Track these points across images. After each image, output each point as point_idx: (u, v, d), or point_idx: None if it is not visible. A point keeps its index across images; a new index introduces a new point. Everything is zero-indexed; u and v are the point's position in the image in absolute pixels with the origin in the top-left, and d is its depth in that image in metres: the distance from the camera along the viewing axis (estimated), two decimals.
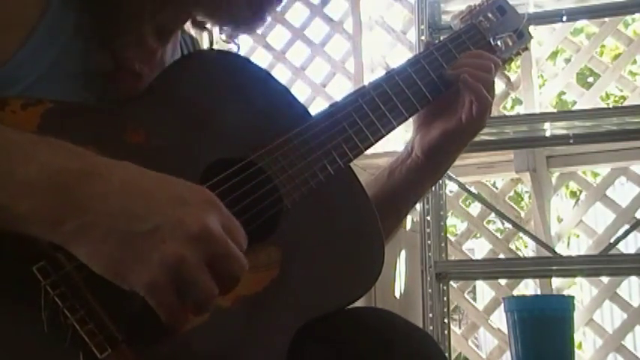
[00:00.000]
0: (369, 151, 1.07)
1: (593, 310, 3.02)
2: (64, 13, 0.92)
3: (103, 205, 0.75)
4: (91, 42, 0.94)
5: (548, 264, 2.62)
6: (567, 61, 3.81)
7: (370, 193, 1.05)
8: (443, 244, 2.56)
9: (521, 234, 3.25)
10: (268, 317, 0.90)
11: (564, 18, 2.64)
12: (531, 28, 1.31)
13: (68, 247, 0.75)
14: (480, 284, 4.88)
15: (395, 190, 1.18)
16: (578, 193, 4.62)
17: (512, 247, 3.35)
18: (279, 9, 3.59)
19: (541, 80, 3.41)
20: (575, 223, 3.08)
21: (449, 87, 1.15)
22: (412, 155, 1.18)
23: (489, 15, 1.25)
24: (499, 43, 1.25)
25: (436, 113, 1.17)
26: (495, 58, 1.19)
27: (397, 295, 2.74)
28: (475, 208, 3.50)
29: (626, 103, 3.33)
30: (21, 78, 0.88)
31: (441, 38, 1.22)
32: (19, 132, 0.79)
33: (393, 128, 1.09)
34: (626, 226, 2.82)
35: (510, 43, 1.26)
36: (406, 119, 1.11)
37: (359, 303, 0.96)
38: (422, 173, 1.18)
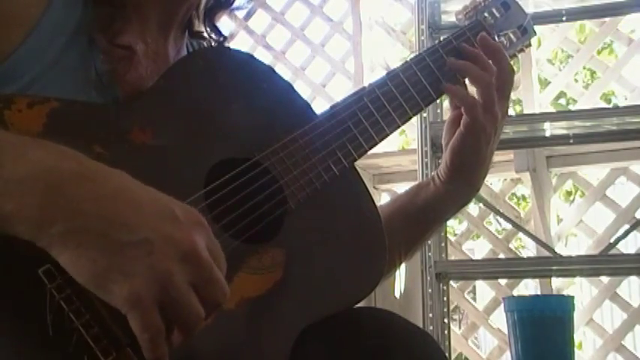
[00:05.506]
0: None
1: (593, 310, 3.02)
2: (66, 10, 0.92)
3: (94, 209, 0.72)
4: (93, 39, 0.94)
5: (548, 264, 2.61)
6: (567, 61, 3.80)
7: (415, 200, 1.11)
8: (443, 244, 2.56)
9: (521, 234, 3.24)
10: (271, 320, 0.90)
11: (564, 18, 2.64)
12: None
13: (51, 251, 0.72)
14: (480, 284, 4.87)
15: (435, 200, 1.19)
16: (573, 192, 4.61)
17: (512, 247, 3.35)
18: (279, 9, 3.60)
19: (541, 80, 3.40)
20: (575, 223, 3.08)
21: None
22: (445, 167, 1.18)
23: (494, 11, 1.23)
24: (503, 39, 1.23)
25: (458, 122, 1.15)
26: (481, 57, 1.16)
27: (397, 295, 2.73)
28: (475, 208, 3.49)
29: (625, 103, 3.33)
30: (21, 75, 0.87)
31: (441, 38, 1.21)
32: (10, 133, 0.78)
33: (398, 127, 1.09)
34: (626, 226, 2.83)
35: (514, 40, 1.25)
36: (410, 118, 1.11)
37: (359, 303, 0.96)
38: (455, 184, 1.17)
